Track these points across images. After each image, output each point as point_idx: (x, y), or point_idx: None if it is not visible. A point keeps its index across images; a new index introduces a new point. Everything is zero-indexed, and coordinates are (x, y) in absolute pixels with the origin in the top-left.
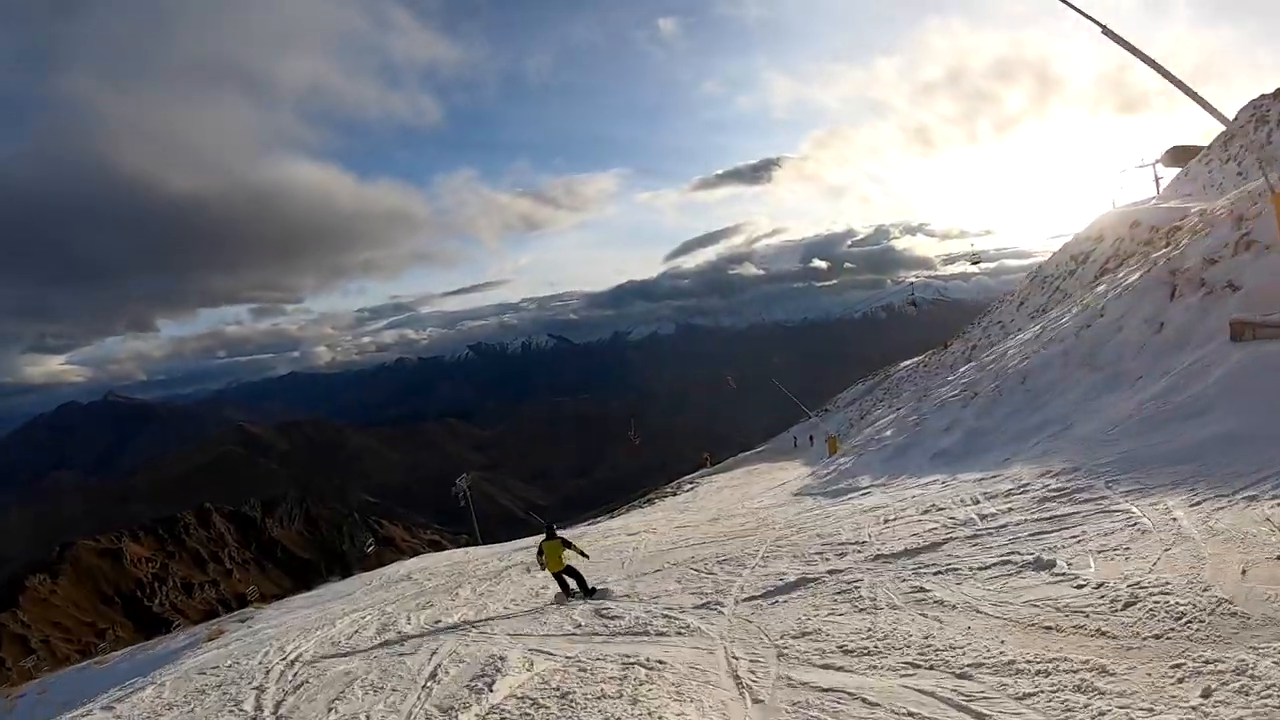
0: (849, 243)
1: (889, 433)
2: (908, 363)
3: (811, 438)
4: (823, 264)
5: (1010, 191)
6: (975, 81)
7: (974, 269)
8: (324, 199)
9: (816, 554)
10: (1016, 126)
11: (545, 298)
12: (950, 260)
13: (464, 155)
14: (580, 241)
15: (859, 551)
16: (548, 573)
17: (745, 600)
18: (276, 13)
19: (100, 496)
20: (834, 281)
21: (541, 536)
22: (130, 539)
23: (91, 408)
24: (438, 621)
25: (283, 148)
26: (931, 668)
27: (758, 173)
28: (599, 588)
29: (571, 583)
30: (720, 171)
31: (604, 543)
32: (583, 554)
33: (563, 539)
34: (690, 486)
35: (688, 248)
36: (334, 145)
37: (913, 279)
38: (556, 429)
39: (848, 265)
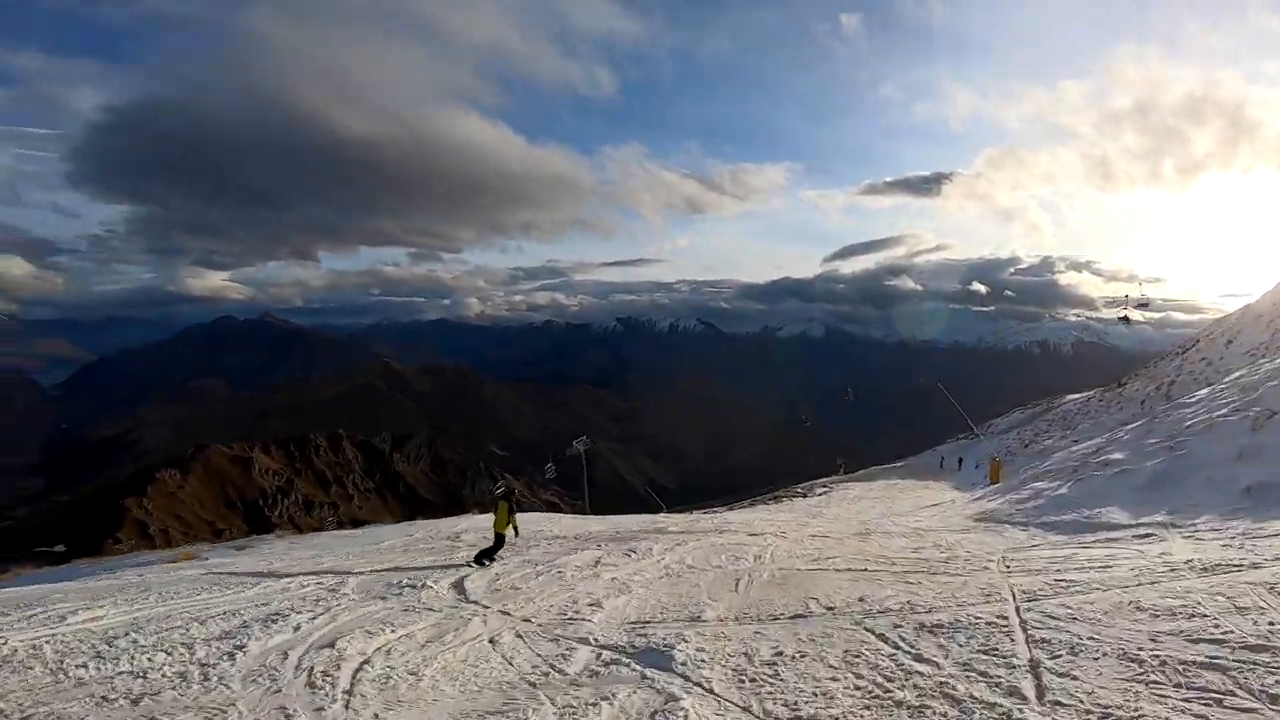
0: (1011, 270)
1: (1118, 455)
2: (1075, 396)
3: (960, 460)
4: (982, 288)
5: (1186, 240)
6: (1164, 117)
7: (1137, 315)
8: (492, 156)
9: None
10: (1201, 171)
11: (700, 282)
12: (1113, 303)
13: (634, 129)
14: (741, 230)
15: None
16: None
17: None
18: None
19: (242, 407)
20: (990, 308)
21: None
22: (262, 450)
23: (247, 324)
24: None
25: (456, 101)
26: None
27: (927, 185)
28: (489, 564)
29: (492, 545)
30: (890, 179)
31: (716, 539)
32: (516, 531)
33: (510, 507)
34: (824, 491)
35: (848, 252)
36: (506, 105)
37: (1094, 315)
38: (691, 412)
39: (1007, 293)
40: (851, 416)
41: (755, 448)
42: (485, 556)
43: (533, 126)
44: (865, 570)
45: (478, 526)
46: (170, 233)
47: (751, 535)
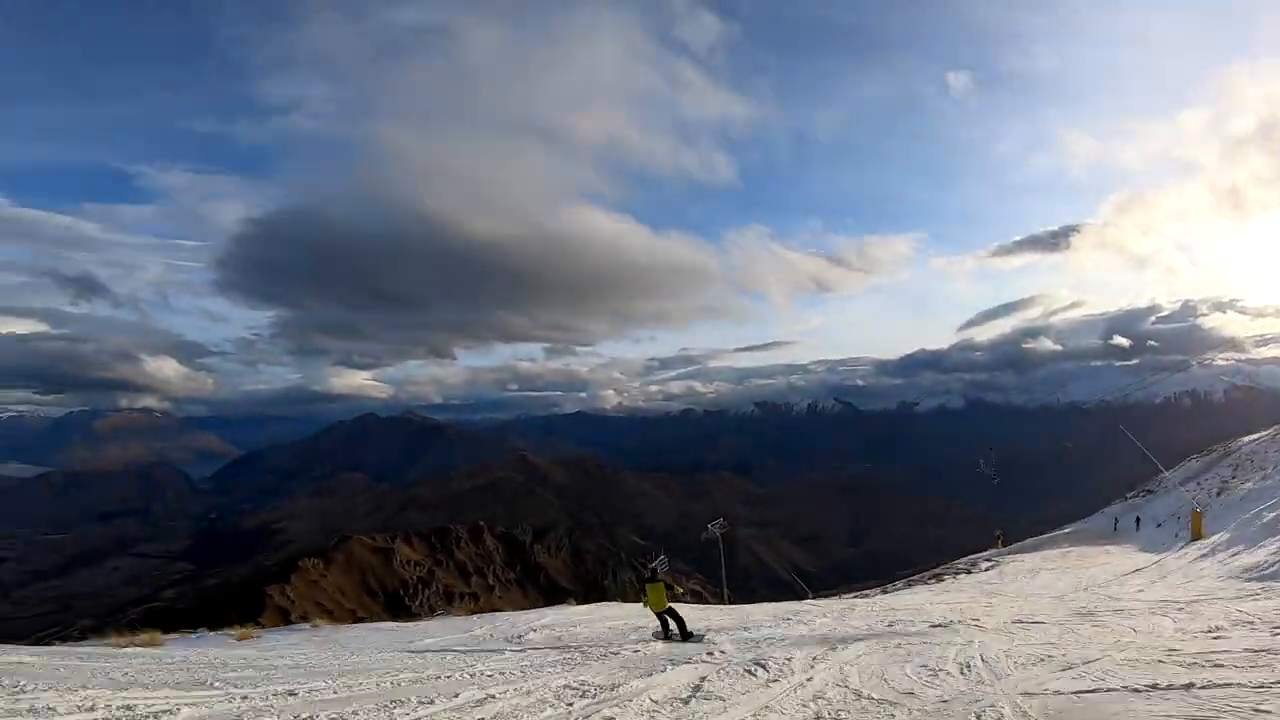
0: (1152, 319)
1: None
2: (1252, 437)
3: (1138, 520)
4: (1124, 341)
5: None
6: None
7: None
8: (618, 249)
9: None
10: None
11: (833, 361)
12: (1263, 342)
13: (755, 212)
14: (871, 306)
15: None
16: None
17: None
18: (577, 72)
19: (384, 500)
20: (1134, 361)
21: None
22: (404, 541)
23: (388, 421)
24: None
25: (579, 198)
26: None
27: (1055, 240)
28: (697, 632)
29: (672, 624)
30: (1018, 238)
31: (889, 639)
32: (678, 597)
33: (665, 581)
34: (990, 565)
35: (982, 318)
36: (628, 198)
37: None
38: (833, 494)
39: (1150, 343)
40: (999, 486)
41: (898, 526)
42: (681, 630)
43: (656, 217)
44: (1190, 692)
45: (566, 621)
46: (312, 335)
47: (935, 627)
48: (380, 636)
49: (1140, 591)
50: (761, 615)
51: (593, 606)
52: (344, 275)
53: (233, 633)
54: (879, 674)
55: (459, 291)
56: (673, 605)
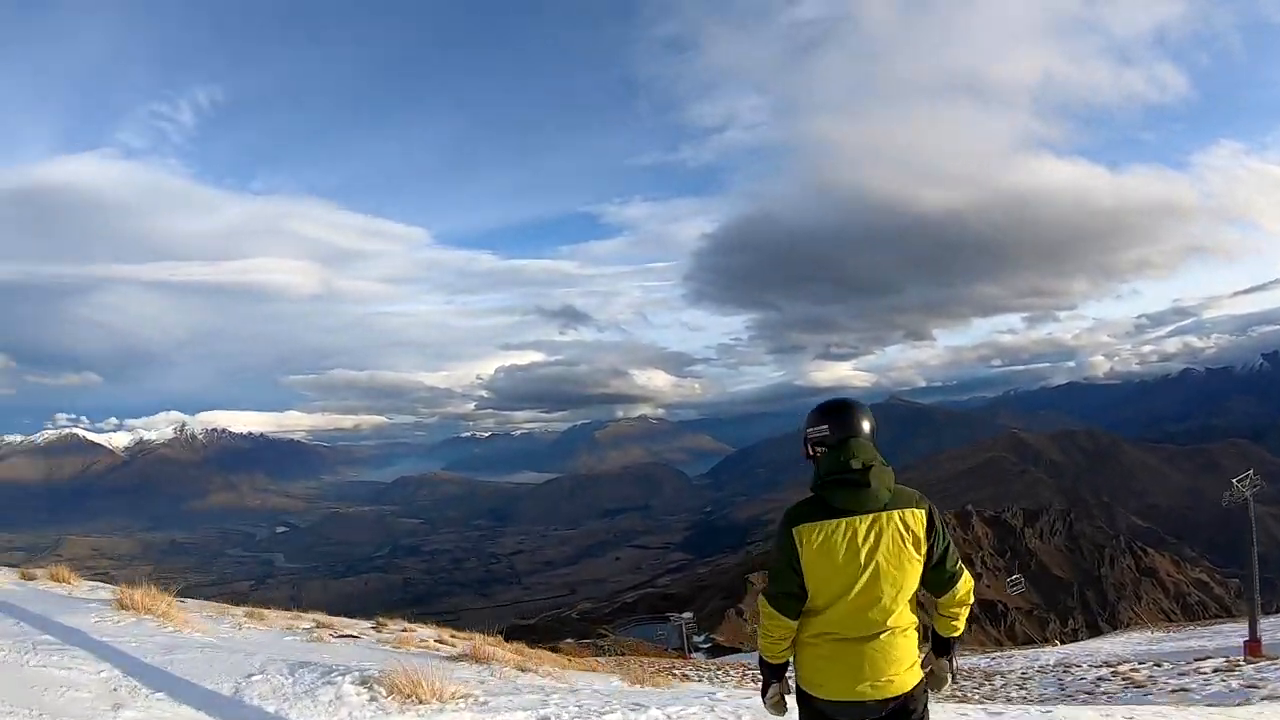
0: None
1: None
2: None
3: None
4: None
5: None
6: None
7: None
8: (1079, 196)
9: None
10: None
11: None
12: None
13: (1219, 126)
14: None
15: None
16: None
17: None
18: (985, 16)
19: None
20: None
21: None
22: None
23: (874, 408)
24: None
25: (1025, 148)
26: None
27: None
28: None
29: None
30: None
31: None
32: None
33: None
34: None
35: None
36: (1076, 138)
37: None
38: None
39: None
40: None
41: None
42: None
43: (1111, 153)
44: None
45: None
46: (787, 332)
47: None
48: None
49: None
50: None
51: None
52: (806, 271)
53: None
54: None
55: (925, 269)
56: None
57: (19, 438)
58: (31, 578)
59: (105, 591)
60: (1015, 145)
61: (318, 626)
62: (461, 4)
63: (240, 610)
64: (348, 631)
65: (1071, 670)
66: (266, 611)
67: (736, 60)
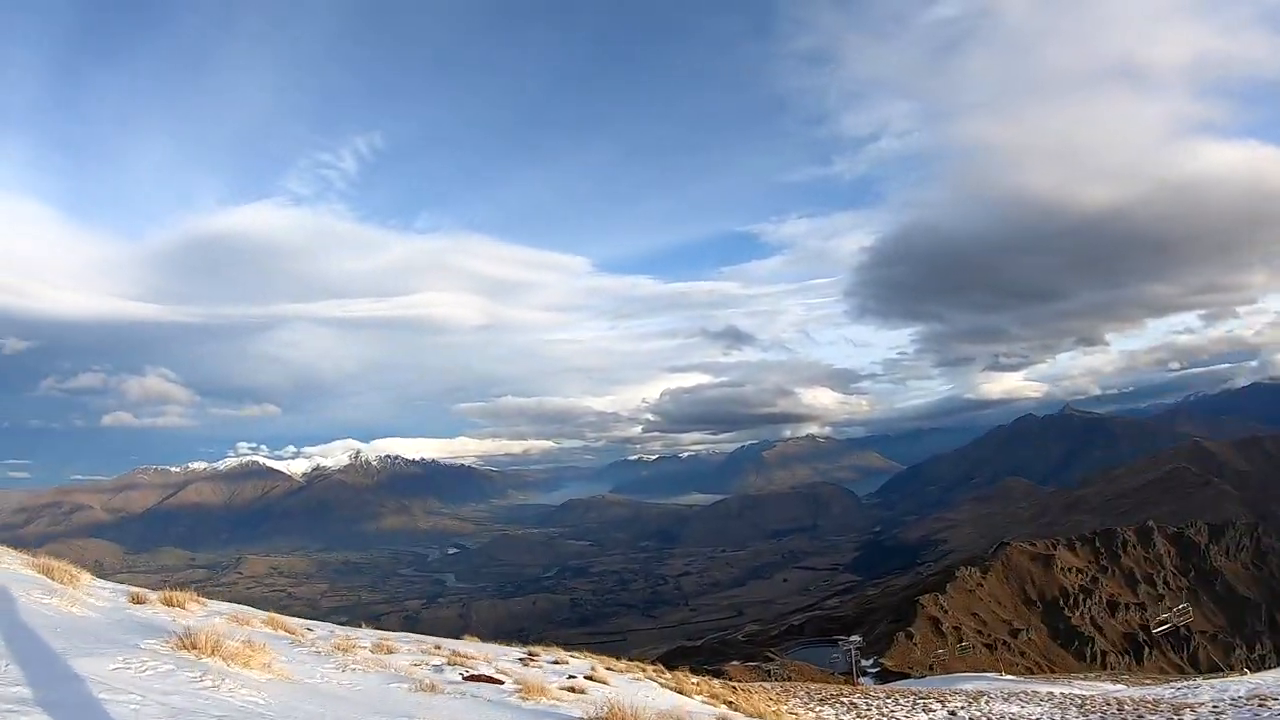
0: None
1: None
2: None
3: None
4: None
5: None
6: None
7: None
8: (1250, 180)
9: None
10: None
11: None
12: None
13: None
14: None
15: None
16: None
17: None
18: None
19: (1047, 504)
20: None
21: None
22: (1065, 547)
23: (1048, 420)
24: None
25: (1186, 134)
26: None
27: None
28: None
29: None
30: None
31: None
32: None
33: None
34: None
35: None
36: (1240, 117)
37: None
38: None
39: None
40: None
41: None
42: None
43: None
44: None
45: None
46: (954, 344)
47: None
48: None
49: None
50: None
51: None
52: (969, 279)
53: None
54: None
55: (1093, 271)
56: None
57: (203, 465)
58: (141, 601)
59: (218, 619)
60: (1175, 131)
61: (450, 663)
62: (600, 38)
63: (369, 641)
64: (483, 670)
65: (1269, 705)
66: (399, 644)
67: (879, 68)
